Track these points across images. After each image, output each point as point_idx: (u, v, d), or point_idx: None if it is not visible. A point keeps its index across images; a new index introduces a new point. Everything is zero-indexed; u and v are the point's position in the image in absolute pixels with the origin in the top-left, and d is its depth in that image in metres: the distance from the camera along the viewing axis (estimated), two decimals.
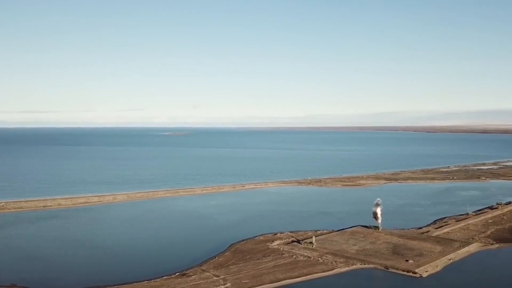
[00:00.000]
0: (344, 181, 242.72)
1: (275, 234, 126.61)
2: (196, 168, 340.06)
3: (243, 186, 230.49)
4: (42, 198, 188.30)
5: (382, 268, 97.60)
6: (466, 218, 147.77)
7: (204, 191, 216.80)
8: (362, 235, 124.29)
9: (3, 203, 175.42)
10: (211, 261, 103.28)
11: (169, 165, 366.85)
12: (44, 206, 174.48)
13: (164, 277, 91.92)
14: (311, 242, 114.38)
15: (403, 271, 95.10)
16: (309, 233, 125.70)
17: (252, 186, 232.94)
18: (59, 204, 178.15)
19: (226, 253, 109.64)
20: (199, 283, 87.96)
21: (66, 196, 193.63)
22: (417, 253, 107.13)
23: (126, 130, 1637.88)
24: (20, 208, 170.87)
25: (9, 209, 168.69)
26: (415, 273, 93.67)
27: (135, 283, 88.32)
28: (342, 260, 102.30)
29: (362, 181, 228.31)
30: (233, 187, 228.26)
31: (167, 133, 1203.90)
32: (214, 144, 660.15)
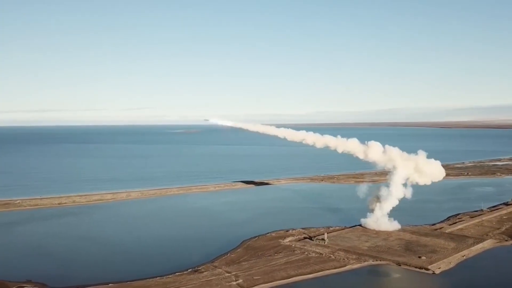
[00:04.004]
0: (357, 178, 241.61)
1: (287, 231, 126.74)
2: (208, 165, 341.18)
3: (255, 183, 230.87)
4: (57, 196, 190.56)
5: (395, 264, 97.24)
6: (480, 215, 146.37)
7: (217, 188, 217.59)
8: (374, 232, 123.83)
9: (19, 201, 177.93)
10: (223, 257, 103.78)
11: (181, 162, 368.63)
12: (59, 204, 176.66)
13: (177, 273, 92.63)
14: (323, 239, 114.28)
15: (416, 267, 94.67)
16: (321, 230, 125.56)
17: (264, 183, 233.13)
18: (74, 202, 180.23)
19: (238, 250, 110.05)
20: (211, 279, 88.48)
21: (80, 194, 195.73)
22: (430, 249, 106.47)
23: (137, 128, 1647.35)
24: (36, 205, 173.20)
25: (25, 206, 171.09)
26: (428, 269, 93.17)
27: (148, 279, 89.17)
28: (354, 256, 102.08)
29: (375, 178, 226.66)
30: (245, 184, 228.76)
31: (179, 131, 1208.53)
32: (225, 142, 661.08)
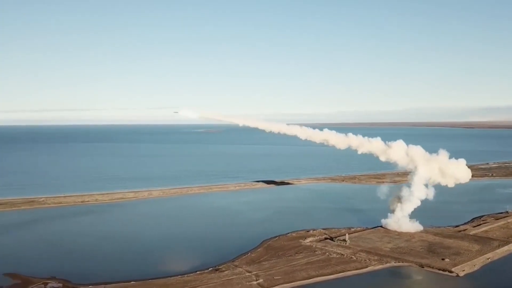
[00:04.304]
0: (379, 178, 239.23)
1: (307, 231, 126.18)
2: (228, 164, 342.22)
3: (276, 183, 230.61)
4: (80, 194, 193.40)
5: (417, 266, 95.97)
6: (505, 217, 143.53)
7: (237, 188, 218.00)
8: (396, 233, 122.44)
9: (43, 199, 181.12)
10: (244, 256, 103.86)
11: (202, 161, 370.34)
12: (82, 201, 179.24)
13: (197, 272, 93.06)
14: (344, 240, 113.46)
15: (439, 269, 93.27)
16: (343, 231, 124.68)
17: (285, 182, 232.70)
18: (96, 200, 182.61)
19: (259, 249, 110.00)
20: (232, 279, 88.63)
21: (103, 192, 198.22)
22: (453, 251, 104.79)
23: (158, 127, 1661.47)
24: (60, 203, 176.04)
25: (49, 204, 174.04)
26: (451, 272, 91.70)
27: (169, 278, 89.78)
28: (376, 258, 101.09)
29: (397, 178, 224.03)
30: (266, 183, 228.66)
31: (200, 130, 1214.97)
32: (245, 141, 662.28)
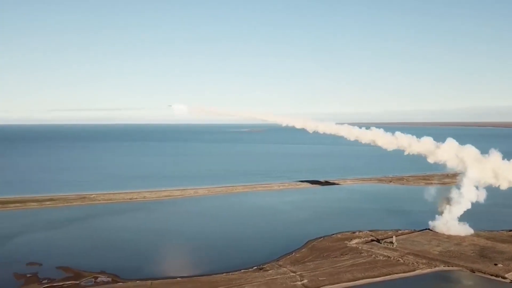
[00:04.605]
0: (428, 179, 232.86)
1: (353, 233, 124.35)
2: (272, 164, 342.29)
3: (320, 183, 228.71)
4: (129, 191, 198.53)
5: (468, 271, 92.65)
6: None
7: (281, 187, 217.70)
8: (446, 236, 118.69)
9: (94, 195, 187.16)
10: (288, 256, 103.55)
11: (246, 161, 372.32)
12: (130, 199, 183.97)
13: (242, 270, 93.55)
14: (391, 242, 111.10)
15: (491, 275, 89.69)
16: (389, 233, 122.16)
17: (330, 182, 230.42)
18: (144, 197, 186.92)
19: (303, 250, 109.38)
20: (276, 278, 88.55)
21: (150, 190, 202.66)
22: (507, 256, 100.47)
23: (203, 127, 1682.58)
24: (109, 200, 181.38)
25: (99, 200, 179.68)
26: (504, 278, 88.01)
27: (213, 275, 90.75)
28: (424, 261, 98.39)
29: (446, 180, 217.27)
30: (310, 183, 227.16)
31: (245, 130, 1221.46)
32: (290, 141, 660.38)
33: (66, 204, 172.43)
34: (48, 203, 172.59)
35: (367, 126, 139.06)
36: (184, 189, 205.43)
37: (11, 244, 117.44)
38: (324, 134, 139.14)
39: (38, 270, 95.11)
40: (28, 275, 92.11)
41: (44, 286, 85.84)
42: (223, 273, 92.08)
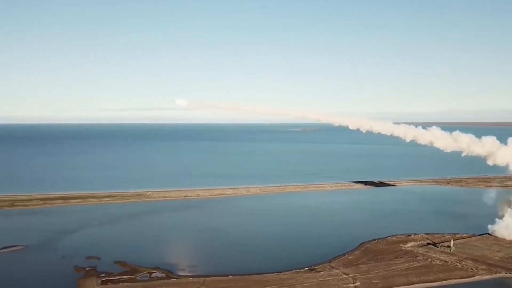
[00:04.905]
0: (488, 182, 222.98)
1: (408, 235, 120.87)
2: (325, 164, 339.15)
3: (374, 184, 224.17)
4: (183, 189, 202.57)
5: None
6: None
7: (334, 188, 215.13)
8: (507, 241, 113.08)
9: (149, 192, 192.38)
10: (340, 258, 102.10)
11: (298, 160, 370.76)
12: (184, 196, 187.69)
13: (293, 271, 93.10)
14: (448, 246, 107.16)
15: None
16: (447, 236, 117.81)
17: (384, 183, 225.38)
18: (198, 195, 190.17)
19: (356, 252, 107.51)
20: (328, 280, 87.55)
21: (204, 188, 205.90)
22: None
23: (255, 126, 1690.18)
24: (164, 197, 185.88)
25: (155, 197, 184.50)
26: None
27: (265, 274, 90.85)
28: (484, 267, 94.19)
29: (509, 182, 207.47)
30: (364, 184, 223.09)
31: (298, 129, 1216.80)
32: (343, 140, 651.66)
33: (123, 200, 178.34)
34: (106, 199, 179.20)
35: (424, 126, 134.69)
36: (236, 188, 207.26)
37: (72, 238, 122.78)
38: (379, 134, 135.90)
39: (96, 264, 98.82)
40: (87, 269, 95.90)
41: (102, 280, 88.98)
42: (274, 272, 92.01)
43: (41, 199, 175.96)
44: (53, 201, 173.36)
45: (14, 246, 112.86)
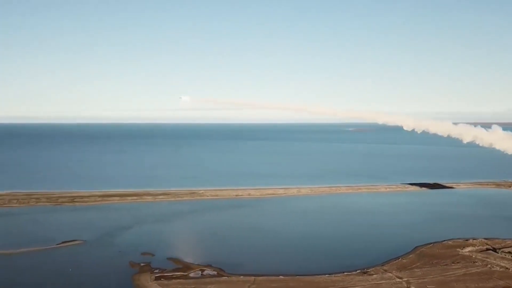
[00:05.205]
0: None
1: (466, 240, 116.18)
2: (379, 165, 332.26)
3: (430, 186, 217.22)
4: (235, 188, 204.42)
5: None
6: None
7: (387, 189, 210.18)
8: None
9: (202, 191, 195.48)
10: (394, 261, 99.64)
11: (352, 161, 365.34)
12: (236, 195, 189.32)
13: (345, 273, 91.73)
14: (509, 252, 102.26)
15: None
16: (508, 242, 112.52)
17: (441, 186, 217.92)
18: (249, 194, 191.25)
19: (410, 255, 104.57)
20: (381, 283, 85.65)
21: (255, 187, 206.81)
22: None
23: (306, 126, 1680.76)
24: (216, 196, 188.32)
25: (207, 196, 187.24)
26: None
27: (316, 276, 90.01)
28: None
29: None
30: (419, 186, 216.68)
31: (351, 129, 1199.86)
32: (398, 141, 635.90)
33: (177, 198, 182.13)
34: (161, 197, 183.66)
35: (484, 126, 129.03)
36: (287, 188, 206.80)
37: (127, 234, 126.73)
38: (435, 134, 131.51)
39: (151, 260, 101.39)
40: (142, 264, 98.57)
41: (155, 275, 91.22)
42: (325, 274, 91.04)
43: (99, 196, 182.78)
44: (110, 198, 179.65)
45: (74, 240, 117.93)
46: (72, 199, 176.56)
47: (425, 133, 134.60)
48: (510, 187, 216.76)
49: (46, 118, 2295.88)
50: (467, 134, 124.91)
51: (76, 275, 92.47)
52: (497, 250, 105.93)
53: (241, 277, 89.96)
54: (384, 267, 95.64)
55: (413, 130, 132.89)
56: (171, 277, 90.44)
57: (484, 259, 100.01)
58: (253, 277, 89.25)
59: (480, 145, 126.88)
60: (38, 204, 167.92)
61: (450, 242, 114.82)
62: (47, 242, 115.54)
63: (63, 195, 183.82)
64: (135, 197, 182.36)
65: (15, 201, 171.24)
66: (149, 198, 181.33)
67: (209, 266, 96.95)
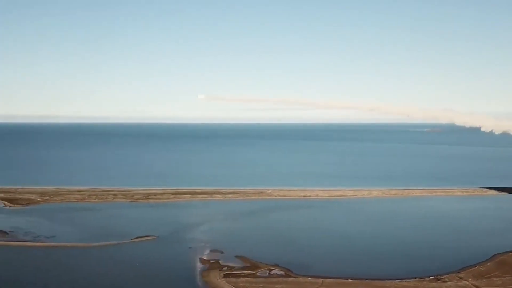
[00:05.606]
0: None
1: None
2: (455, 167, 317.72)
3: (511, 191, 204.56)
4: (302, 188, 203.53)
5: None
6: None
7: (464, 193, 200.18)
8: None
9: (270, 191, 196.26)
10: (470, 269, 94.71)
11: (425, 162, 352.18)
12: (304, 196, 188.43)
13: (417, 279, 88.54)
14: None
15: None
16: None
17: None
18: (317, 195, 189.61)
19: (489, 263, 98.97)
20: None
21: (323, 188, 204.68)
22: None
23: (377, 126, 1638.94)
24: (284, 196, 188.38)
25: (275, 196, 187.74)
26: None
27: (386, 281, 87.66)
28: None
29: None
30: (498, 191, 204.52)
31: (425, 129, 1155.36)
32: (475, 143, 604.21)
33: (245, 197, 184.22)
34: (230, 195, 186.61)
35: None
36: (357, 190, 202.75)
37: (198, 231, 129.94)
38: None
39: (220, 257, 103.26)
40: (211, 261, 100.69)
41: (224, 273, 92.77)
42: (396, 279, 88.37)
43: (172, 193, 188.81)
44: (182, 196, 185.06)
45: (147, 236, 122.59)
46: (147, 195, 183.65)
47: (505, 135, 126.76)
48: None
49: (90, 118, 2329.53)
50: None
51: (147, 269, 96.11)
52: None
53: (309, 278, 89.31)
54: (460, 275, 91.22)
55: (491, 131, 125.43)
56: (239, 275, 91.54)
57: None
58: (321, 279, 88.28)
59: None
60: (115, 200, 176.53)
61: None
62: (122, 236, 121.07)
63: (138, 192, 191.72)
64: (205, 195, 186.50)
65: (94, 196, 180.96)
66: (218, 197, 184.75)
67: (276, 265, 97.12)
